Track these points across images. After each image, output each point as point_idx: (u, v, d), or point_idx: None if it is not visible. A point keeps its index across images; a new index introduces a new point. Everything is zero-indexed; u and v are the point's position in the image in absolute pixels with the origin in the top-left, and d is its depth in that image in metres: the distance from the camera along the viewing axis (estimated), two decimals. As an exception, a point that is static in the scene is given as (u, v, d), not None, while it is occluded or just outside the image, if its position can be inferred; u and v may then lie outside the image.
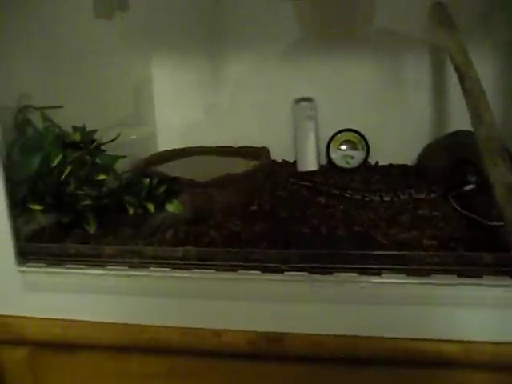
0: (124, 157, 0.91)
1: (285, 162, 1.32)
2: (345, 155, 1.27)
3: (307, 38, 1.26)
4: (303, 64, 1.28)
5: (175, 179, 1.05)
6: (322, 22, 1.25)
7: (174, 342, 0.69)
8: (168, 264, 0.70)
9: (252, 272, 0.68)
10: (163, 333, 0.70)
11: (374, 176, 1.21)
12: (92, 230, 0.88)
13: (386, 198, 1.03)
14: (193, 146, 1.33)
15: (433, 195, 1.04)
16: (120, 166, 0.99)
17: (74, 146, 0.76)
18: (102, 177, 0.83)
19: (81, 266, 0.71)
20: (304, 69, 1.28)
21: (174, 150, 1.32)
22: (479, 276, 0.64)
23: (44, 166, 0.75)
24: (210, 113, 1.36)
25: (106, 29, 1.21)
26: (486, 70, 1.12)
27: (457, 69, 0.97)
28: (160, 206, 0.98)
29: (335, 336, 0.66)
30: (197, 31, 1.30)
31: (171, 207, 0.99)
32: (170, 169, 1.24)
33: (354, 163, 1.26)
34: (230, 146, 1.33)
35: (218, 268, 0.68)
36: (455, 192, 1.03)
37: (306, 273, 0.66)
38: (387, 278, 0.65)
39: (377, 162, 1.29)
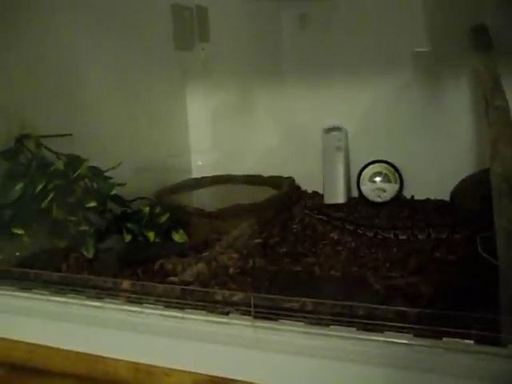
0: (122, 184, 0.92)
1: (315, 193, 1.27)
2: (376, 188, 1.18)
3: (339, 64, 1.21)
4: (336, 92, 1.23)
5: (182, 208, 1.05)
6: (355, 48, 1.19)
7: (127, 376, 0.68)
8: (121, 297, 0.69)
9: (198, 312, 0.65)
10: (117, 366, 0.68)
11: (403, 211, 1.11)
12: (90, 254, 0.90)
13: (402, 237, 0.95)
14: (222, 174, 1.33)
15: (457, 236, 0.94)
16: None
17: (58, 174, 0.79)
18: (92, 204, 0.85)
19: (44, 292, 0.73)
20: (337, 97, 1.23)
21: (204, 178, 1.32)
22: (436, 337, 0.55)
23: (29, 192, 0.78)
24: (245, 141, 1.35)
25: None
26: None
27: (485, 97, 0.88)
28: (164, 235, 0.98)
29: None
30: (229, 61, 1.30)
31: (177, 236, 0.99)
32: (197, 196, 1.25)
33: (386, 196, 1.18)
34: (260, 175, 1.30)
35: (168, 305, 0.66)
36: (486, 234, 0.91)
37: (251, 317, 0.61)
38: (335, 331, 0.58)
39: (412, 196, 1.19)
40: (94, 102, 1.11)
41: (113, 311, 0.68)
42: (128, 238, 0.93)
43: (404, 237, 0.95)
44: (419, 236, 0.94)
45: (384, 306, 0.63)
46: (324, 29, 1.22)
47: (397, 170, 1.18)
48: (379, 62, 1.18)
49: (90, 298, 0.70)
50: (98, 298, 0.70)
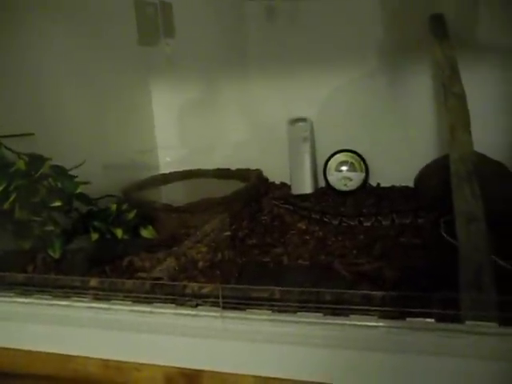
0: (87, 183, 0.91)
1: (283, 185, 1.28)
2: (342, 177, 1.20)
3: (302, 56, 1.22)
4: (300, 84, 1.24)
5: (150, 204, 1.05)
6: (318, 39, 1.20)
7: (97, 373, 0.68)
8: (87, 294, 0.69)
9: (167, 305, 0.65)
10: (87, 364, 0.68)
11: (369, 199, 1.13)
12: (57, 255, 0.89)
13: (366, 224, 0.97)
14: (190, 168, 1.33)
15: (420, 221, 0.96)
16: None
17: (20, 174, 0.78)
18: (57, 203, 0.83)
19: (9, 294, 0.72)
20: (301, 88, 1.24)
21: (172, 173, 1.32)
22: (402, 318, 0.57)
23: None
24: (212, 135, 1.35)
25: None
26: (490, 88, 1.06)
27: (443, 84, 0.90)
28: (133, 232, 0.98)
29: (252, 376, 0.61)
30: (193, 55, 1.30)
31: (145, 232, 0.99)
32: (166, 192, 1.25)
33: (352, 185, 1.20)
34: (228, 169, 1.31)
35: (136, 300, 0.66)
36: (449, 218, 0.94)
37: (220, 308, 0.62)
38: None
39: (378, 184, 1.22)
40: (56, 101, 1.09)
41: (80, 309, 0.68)
42: (95, 236, 0.92)
43: (368, 223, 0.97)
44: (383, 222, 0.96)
45: (350, 291, 0.64)
46: (289, 20, 1.22)
47: (362, 158, 1.20)
48: (343, 52, 1.19)
49: (56, 297, 0.70)
50: (65, 297, 0.70)
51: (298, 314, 0.61)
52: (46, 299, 0.70)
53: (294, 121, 1.22)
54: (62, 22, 1.10)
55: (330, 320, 0.59)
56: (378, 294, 0.63)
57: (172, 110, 1.36)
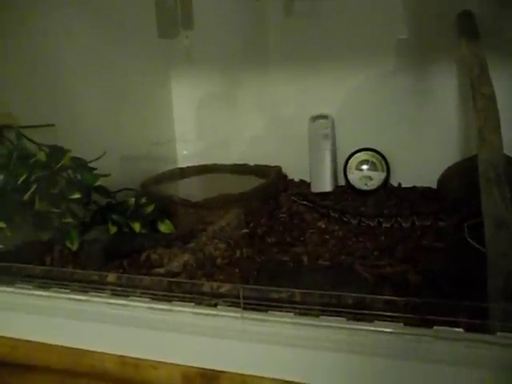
0: (107, 175, 0.90)
1: (302, 182, 1.26)
2: (363, 176, 1.18)
3: (325, 52, 1.20)
4: (322, 80, 1.22)
5: (168, 198, 1.04)
6: (341, 35, 1.18)
7: (114, 370, 0.67)
8: (105, 289, 0.68)
9: (186, 304, 0.64)
10: (104, 360, 0.67)
11: (390, 199, 1.11)
12: (74, 247, 0.89)
13: (386, 225, 0.95)
14: (208, 163, 1.31)
15: (441, 223, 0.94)
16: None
17: (40, 165, 0.77)
18: (76, 195, 0.83)
19: (27, 286, 0.72)
20: (323, 85, 1.22)
21: (189, 168, 1.31)
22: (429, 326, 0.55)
23: (10, 184, 0.76)
24: (231, 130, 1.34)
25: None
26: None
27: (471, 84, 0.87)
28: (150, 226, 0.97)
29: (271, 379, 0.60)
30: (213, 48, 1.28)
31: (163, 227, 0.98)
32: (183, 186, 1.24)
33: (373, 184, 1.18)
34: (246, 164, 1.29)
35: (155, 298, 0.65)
36: (474, 221, 0.91)
37: (240, 309, 0.61)
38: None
39: (399, 184, 1.19)
40: (77, 92, 1.09)
41: (98, 305, 0.67)
42: (113, 229, 0.91)
43: (388, 225, 0.95)
44: (403, 224, 0.94)
45: (373, 296, 0.62)
46: (310, 16, 1.20)
47: (384, 157, 1.17)
48: (366, 49, 1.16)
49: (74, 291, 0.69)
50: (83, 291, 0.69)
51: (321, 317, 0.59)
52: (64, 293, 0.70)
53: (315, 117, 1.20)
54: (82, 14, 1.09)
55: (354, 325, 0.57)
56: (402, 299, 0.61)
57: (191, 103, 1.35)
